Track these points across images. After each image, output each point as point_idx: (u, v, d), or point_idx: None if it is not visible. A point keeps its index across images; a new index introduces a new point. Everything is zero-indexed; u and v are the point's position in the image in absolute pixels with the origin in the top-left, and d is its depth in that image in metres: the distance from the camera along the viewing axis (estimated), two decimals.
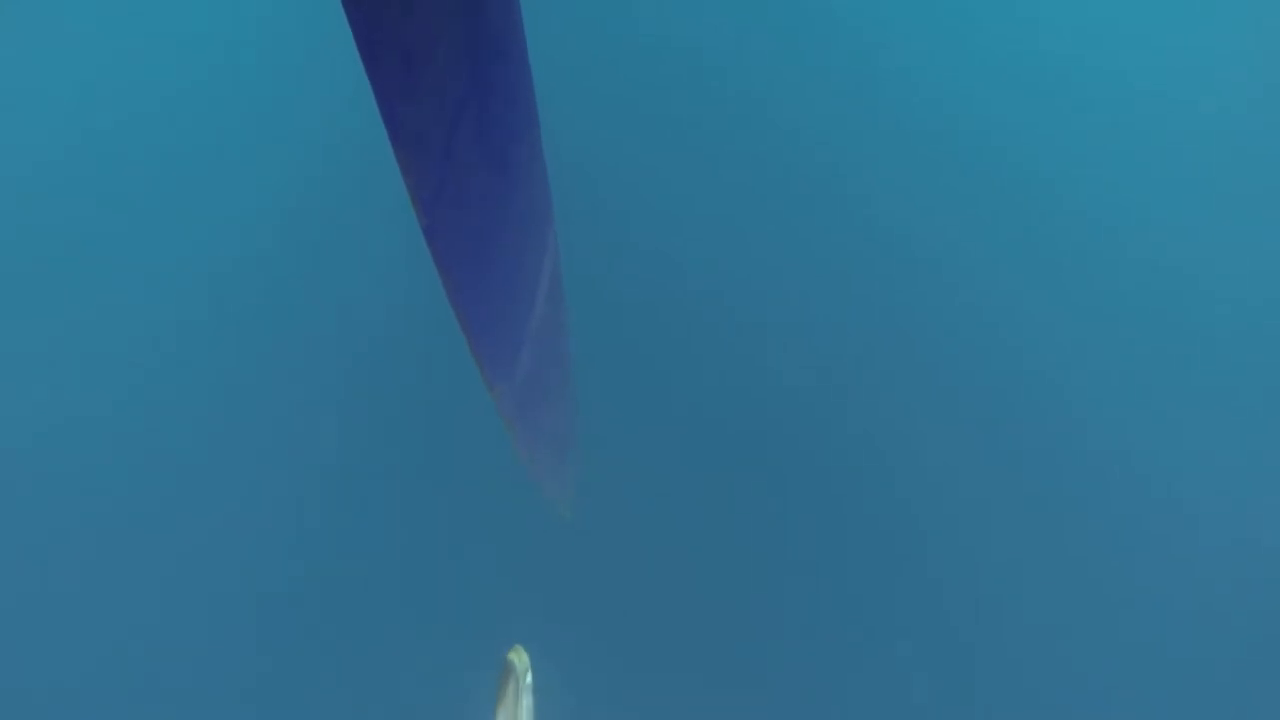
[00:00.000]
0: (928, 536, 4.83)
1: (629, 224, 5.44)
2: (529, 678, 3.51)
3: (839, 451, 5.00)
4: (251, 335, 5.20)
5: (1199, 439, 5.10)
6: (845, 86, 6.16)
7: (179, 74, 6.06)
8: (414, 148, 1.57)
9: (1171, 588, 4.72)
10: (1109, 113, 6.27)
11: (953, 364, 5.28)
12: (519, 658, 3.46)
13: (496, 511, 4.42)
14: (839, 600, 4.69)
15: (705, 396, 5.06)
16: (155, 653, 4.52)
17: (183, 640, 4.55)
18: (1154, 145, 6.14)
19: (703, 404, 5.04)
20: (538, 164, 1.92)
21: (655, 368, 5.09)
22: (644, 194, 5.52)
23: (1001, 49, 6.45)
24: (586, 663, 4.27)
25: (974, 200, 5.79)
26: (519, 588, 4.41)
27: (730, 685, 4.40)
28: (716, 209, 5.58)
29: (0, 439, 4.95)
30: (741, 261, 5.44)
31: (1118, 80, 6.38)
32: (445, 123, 1.61)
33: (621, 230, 5.39)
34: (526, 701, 3.44)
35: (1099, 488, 4.96)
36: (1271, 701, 4.51)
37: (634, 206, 5.48)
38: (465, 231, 1.73)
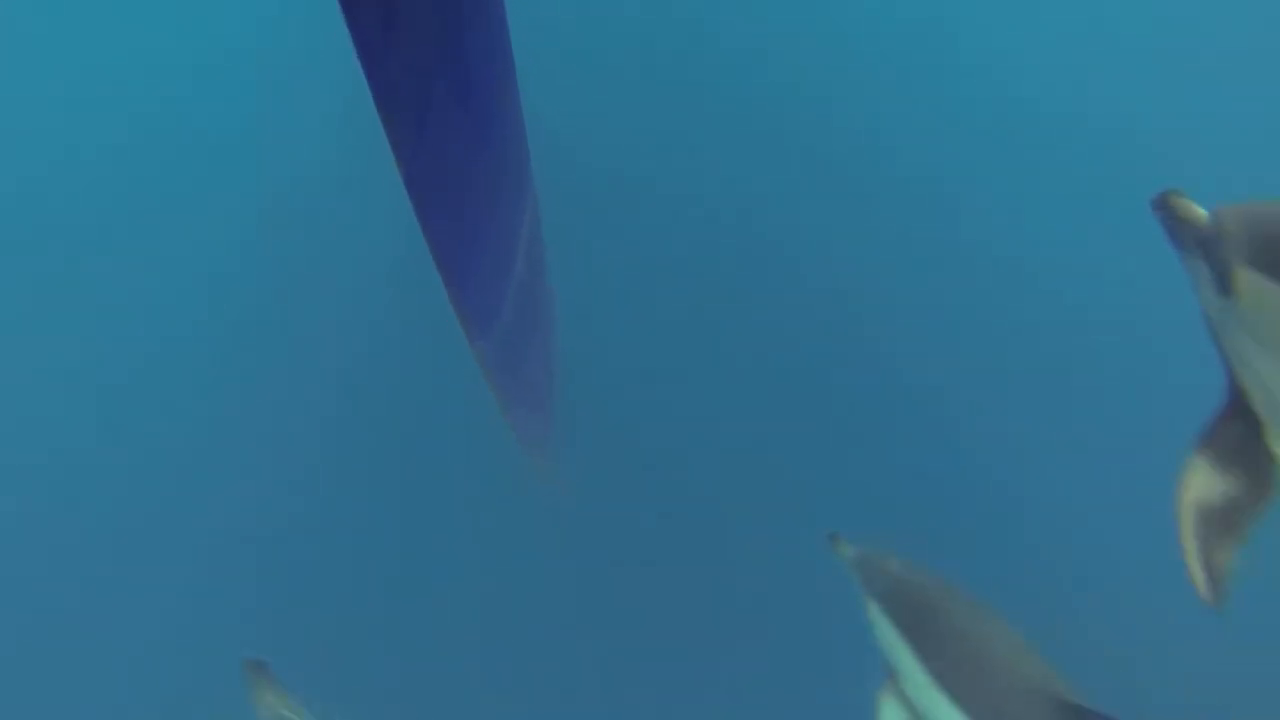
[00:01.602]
0: (920, 526, 4.84)
1: (612, 192, 5.42)
2: None
3: (824, 415, 5.02)
4: (241, 309, 5.19)
5: None
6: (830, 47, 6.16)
7: (159, 46, 6.02)
8: (394, 98, 1.59)
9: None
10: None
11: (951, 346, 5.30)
12: None
13: (485, 482, 4.44)
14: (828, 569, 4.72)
15: (692, 369, 5.07)
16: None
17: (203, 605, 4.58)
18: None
19: (688, 376, 5.05)
20: (515, 117, 1.95)
21: (642, 338, 5.09)
22: (626, 159, 5.50)
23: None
24: (571, 635, 4.32)
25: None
26: (507, 556, 4.42)
27: (716, 655, 4.44)
28: (700, 172, 5.57)
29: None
30: (726, 226, 5.44)
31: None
32: (424, 73, 1.64)
33: (604, 198, 5.38)
34: None
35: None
36: None
37: (617, 173, 5.46)
38: (445, 182, 1.76)
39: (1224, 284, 1.88)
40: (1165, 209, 1.97)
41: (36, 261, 5.48)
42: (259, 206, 5.21)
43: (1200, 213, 1.94)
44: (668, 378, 5.07)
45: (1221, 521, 1.92)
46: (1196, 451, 1.97)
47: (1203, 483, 1.94)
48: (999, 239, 5.61)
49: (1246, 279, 1.84)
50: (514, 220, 2.09)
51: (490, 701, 4.23)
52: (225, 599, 4.63)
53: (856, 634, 4.58)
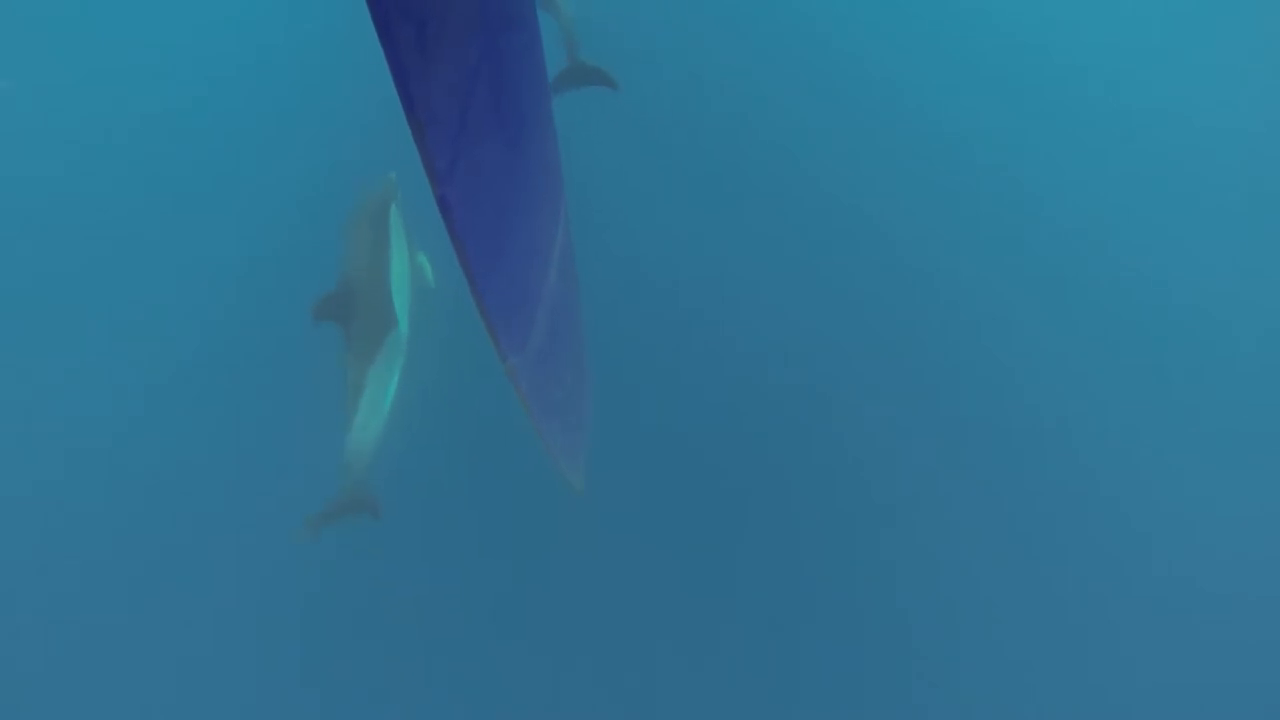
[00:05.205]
0: (919, 539, 4.87)
1: (637, 212, 5.43)
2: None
3: (842, 437, 5.03)
4: (264, 319, 5.18)
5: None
6: (842, 96, 6.18)
7: (184, 55, 6.04)
8: (429, 118, 1.56)
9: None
10: (1096, 118, 6.31)
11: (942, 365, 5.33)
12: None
13: (512, 488, 4.45)
14: (833, 582, 4.75)
15: (718, 381, 5.08)
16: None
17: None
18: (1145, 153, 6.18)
19: (716, 389, 5.06)
20: (550, 135, 1.92)
21: (668, 350, 5.11)
22: (657, 182, 5.52)
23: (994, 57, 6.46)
24: (598, 640, 4.33)
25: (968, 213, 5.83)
26: (533, 562, 4.43)
27: (730, 659, 4.46)
28: (731, 198, 5.60)
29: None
30: (751, 248, 5.46)
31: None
32: (459, 92, 1.61)
33: (629, 218, 5.39)
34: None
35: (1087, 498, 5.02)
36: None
37: (648, 196, 5.47)
38: (480, 201, 1.73)
39: None
40: None
41: (46, 259, 5.50)
42: (287, 218, 5.22)
43: None
44: (691, 382, 5.08)
45: None
46: None
47: None
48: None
49: None
50: (547, 236, 2.06)
51: (497, 701, 4.28)
52: (252, 590, 4.64)
53: (875, 638, 4.61)
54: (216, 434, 5.01)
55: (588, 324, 3.89)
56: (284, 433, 4.93)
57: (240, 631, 4.55)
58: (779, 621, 4.62)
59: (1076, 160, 6.03)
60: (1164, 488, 5.01)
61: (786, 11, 6.37)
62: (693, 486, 4.80)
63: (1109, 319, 5.55)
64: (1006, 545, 4.86)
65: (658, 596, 4.54)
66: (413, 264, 4.66)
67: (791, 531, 4.81)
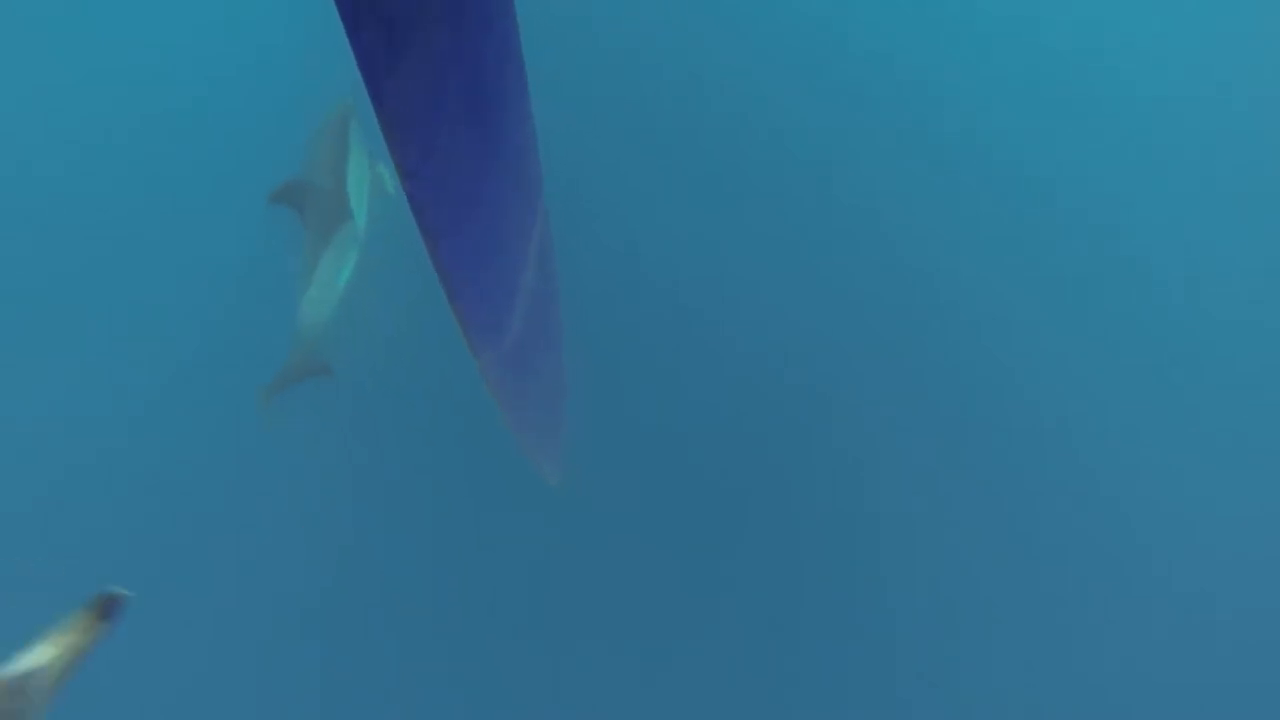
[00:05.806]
0: (914, 537, 4.87)
1: (623, 206, 5.42)
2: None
3: (842, 437, 5.03)
4: (264, 319, 5.18)
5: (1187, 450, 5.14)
6: (837, 88, 6.15)
7: (184, 55, 6.04)
8: (398, 111, 1.54)
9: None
10: (1100, 116, 6.28)
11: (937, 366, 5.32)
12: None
13: (488, 483, 4.45)
14: (815, 574, 4.75)
15: (717, 380, 5.08)
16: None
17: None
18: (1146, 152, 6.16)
19: (715, 387, 5.06)
20: (526, 128, 1.90)
21: (667, 349, 5.11)
22: (637, 176, 5.50)
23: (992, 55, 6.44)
24: (595, 639, 4.33)
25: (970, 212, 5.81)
26: (529, 562, 4.43)
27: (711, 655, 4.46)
28: (712, 192, 5.58)
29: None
30: (732, 244, 5.45)
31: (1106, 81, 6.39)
32: (431, 84, 1.59)
33: (616, 212, 5.37)
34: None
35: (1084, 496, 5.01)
36: None
37: (628, 189, 5.46)
38: (452, 196, 1.71)
39: None
40: None
41: (46, 259, 5.51)
42: (286, 218, 5.22)
43: None
44: (689, 381, 5.08)
45: None
46: None
47: None
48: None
49: None
50: (524, 232, 2.05)
51: (491, 698, 4.29)
52: (252, 590, 4.66)
53: (874, 637, 4.61)
54: (217, 434, 5.02)
55: (588, 324, 3.88)
56: (284, 433, 4.94)
57: (240, 631, 4.57)
58: (777, 621, 4.63)
59: (1077, 159, 6.00)
60: (1164, 488, 5.00)
61: (784, 9, 6.35)
62: (690, 485, 4.81)
63: (1110, 319, 5.54)
64: (1006, 545, 4.86)
65: (656, 595, 4.56)
66: (372, 171, 4.94)
67: (790, 531, 4.82)
